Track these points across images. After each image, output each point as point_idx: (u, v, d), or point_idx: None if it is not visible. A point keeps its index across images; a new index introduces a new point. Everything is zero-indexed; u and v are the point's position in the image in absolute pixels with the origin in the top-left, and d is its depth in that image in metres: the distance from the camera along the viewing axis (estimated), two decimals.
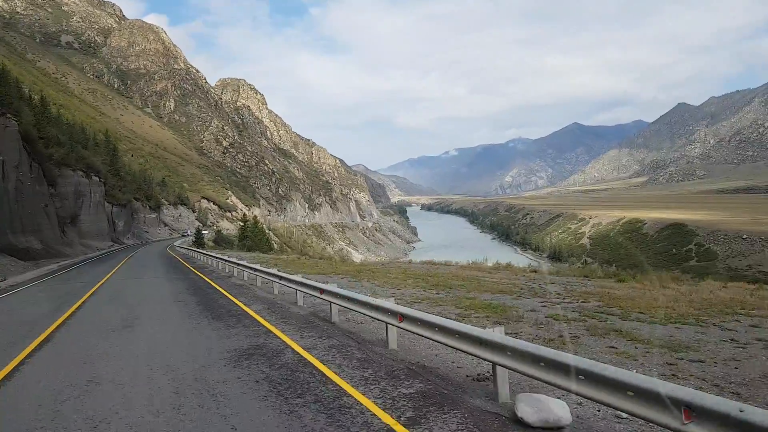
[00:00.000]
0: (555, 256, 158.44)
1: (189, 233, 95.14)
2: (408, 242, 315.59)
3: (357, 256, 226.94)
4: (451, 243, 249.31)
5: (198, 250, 49.71)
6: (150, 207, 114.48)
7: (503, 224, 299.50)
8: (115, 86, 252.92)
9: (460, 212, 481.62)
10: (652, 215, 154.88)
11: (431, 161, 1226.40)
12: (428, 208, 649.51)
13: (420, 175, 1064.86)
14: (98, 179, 71.36)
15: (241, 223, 74.95)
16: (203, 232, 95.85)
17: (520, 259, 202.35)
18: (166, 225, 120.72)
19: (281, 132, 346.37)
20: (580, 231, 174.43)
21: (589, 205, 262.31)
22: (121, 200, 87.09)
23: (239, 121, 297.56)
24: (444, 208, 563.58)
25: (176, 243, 71.30)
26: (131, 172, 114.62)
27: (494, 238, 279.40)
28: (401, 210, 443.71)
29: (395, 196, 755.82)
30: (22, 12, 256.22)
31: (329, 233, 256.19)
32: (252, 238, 74.00)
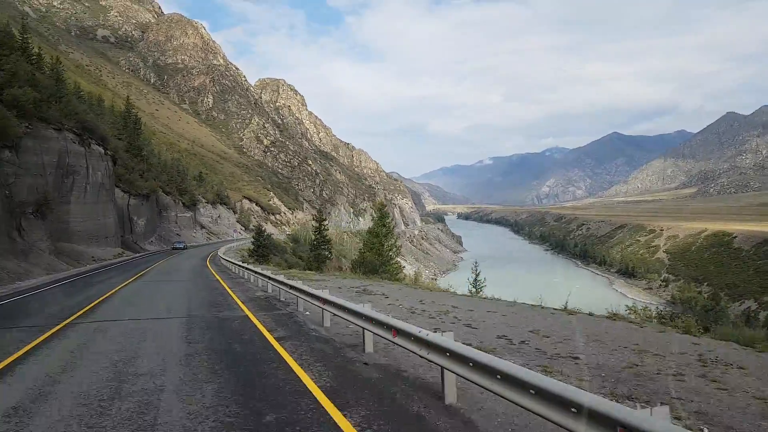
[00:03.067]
0: (627, 272, 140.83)
1: (235, 235, 68.95)
2: (455, 252, 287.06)
3: (408, 269, 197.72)
4: (500, 254, 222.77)
5: (271, 275, 22.17)
6: (184, 204, 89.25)
7: (555, 235, 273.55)
8: (151, 81, 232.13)
9: (500, 222, 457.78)
10: (739, 227, 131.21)
11: (465, 170, 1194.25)
12: (465, 217, 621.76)
13: (453, 183, 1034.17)
14: (102, 150, 45.86)
15: (316, 224, 49.28)
16: (240, 235, 70.44)
17: (583, 273, 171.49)
18: (202, 227, 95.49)
19: (321, 134, 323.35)
20: (653, 244, 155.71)
21: (650, 216, 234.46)
22: (142, 189, 61.68)
23: (279, 121, 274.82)
24: (483, 218, 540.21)
25: (221, 252, 45.75)
26: (161, 161, 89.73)
27: (547, 250, 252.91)
28: (439, 219, 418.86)
29: (429, 205, 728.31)
30: (59, 5, 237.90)
31: None
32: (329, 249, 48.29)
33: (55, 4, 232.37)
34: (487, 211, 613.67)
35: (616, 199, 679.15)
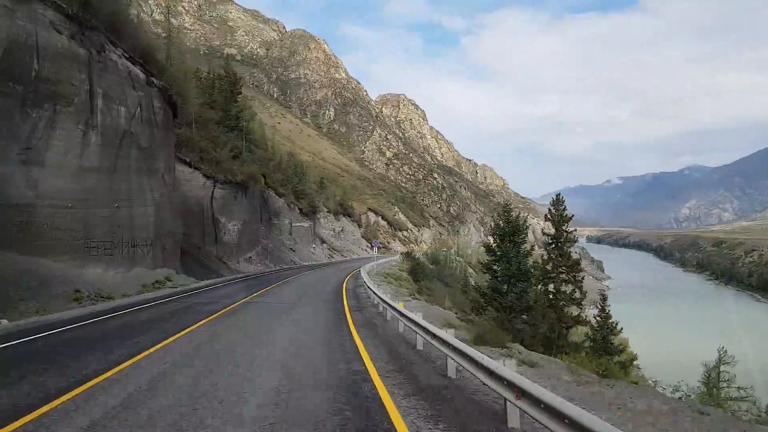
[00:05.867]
0: None
1: (374, 252, 43.35)
2: (597, 279, 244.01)
3: None
4: (651, 284, 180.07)
5: None
6: (301, 210, 66.12)
7: (716, 262, 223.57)
8: (275, 96, 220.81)
9: (641, 246, 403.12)
10: None
11: (590, 190, 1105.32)
12: (597, 240, 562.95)
13: (578, 204, 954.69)
14: (137, 71, 22.07)
15: (494, 238, 23.20)
16: (372, 250, 45.58)
17: (761, 310, 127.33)
18: (323, 241, 71.93)
19: (443, 149, 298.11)
20: None
21: None
22: (236, 176, 38.07)
23: (400, 135, 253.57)
24: (618, 241, 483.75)
25: (371, 285, 19.31)
26: (274, 154, 67.63)
27: (709, 280, 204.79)
28: None
29: (553, 228, 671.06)
30: (189, 27, 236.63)
31: None
32: None
33: (186, 26, 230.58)
34: (622, 234, 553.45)
35: None
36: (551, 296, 28.34)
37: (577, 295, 28.05)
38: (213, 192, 36.22)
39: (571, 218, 29.19)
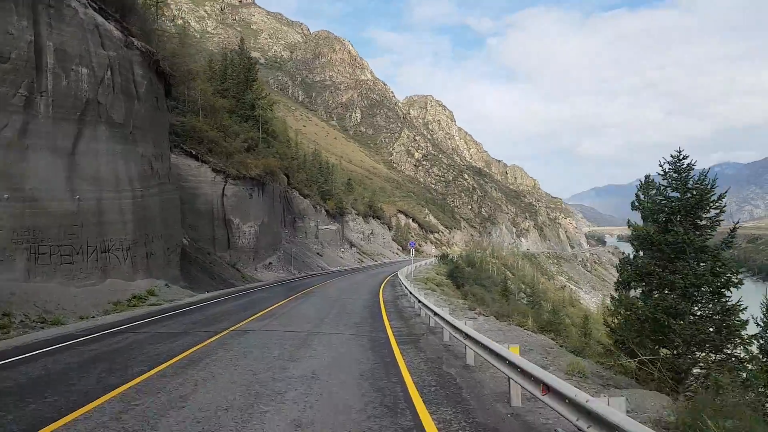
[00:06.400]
0: None
1: (411, 249, 36.95)
2: None
3: (585, 297, 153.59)
4: None
5: None
6: (327, 212, 60.83)
7: (753, 258, 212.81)
8: (300, 99, 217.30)
9: None
10: None
11: (620, 190, 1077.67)
12: (627, 239, 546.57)
13: (608, 204, 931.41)
14: (113, 29, 16.75)
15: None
16: (408, 252, 39.90)
17: None
18: (352, 245, 66.43)
19: (472, 150, 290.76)
20: None
21: None
22: (250, 170, 32.73)
23: (429, 136, 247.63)
24: None
25: (420, 297, 13.04)
26: (298, 152, 62.59)
27: (747, 277, 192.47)
28: (600, 241, 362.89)
29: (584, 227, 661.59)
30: (212, 31, 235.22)
31: (544, 265, 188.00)
32: None
33: (209, 29, 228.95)
34: None
35: None
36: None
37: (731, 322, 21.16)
38: (224, 189, 30.99)
39: (723, 195, 22.24)
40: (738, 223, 22.99)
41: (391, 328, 11.90)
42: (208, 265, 27.00)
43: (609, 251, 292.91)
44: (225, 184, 31.01)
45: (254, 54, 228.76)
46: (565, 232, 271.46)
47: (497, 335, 10.86)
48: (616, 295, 22.90)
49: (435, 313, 10.79)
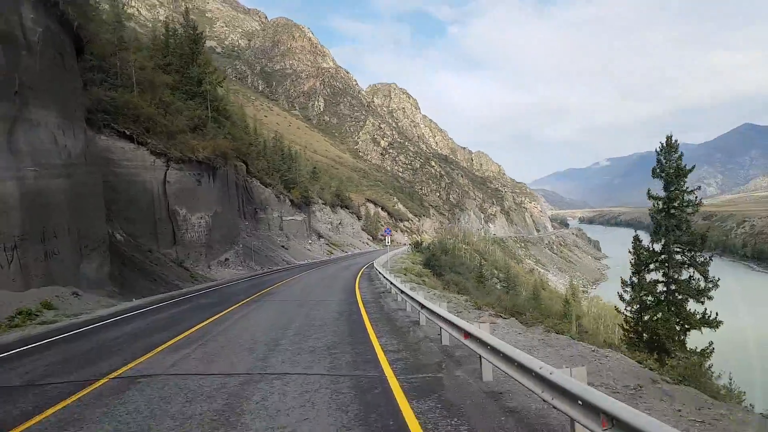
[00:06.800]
0: None
1: (386, 236, 32.16)
2: (596, 259, 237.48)
3: (552, 279, 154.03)
4: None
5: None
6: (292, 202, 56.19)
7: (710, 236, 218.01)
8: (260, 89, 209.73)
9: (632, 224, 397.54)
10: None
11: (579, 173, 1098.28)
12: (588, 221, 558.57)
13: (568, 188, 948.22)
14: None
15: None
16: (384, 240, 36.15)
17: (759, 279, 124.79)
18: (320, 236, 61.98)
19: (437, 138, 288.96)
20: None
21: None
22: (198, 152, 27.89)
23: (394, 125, 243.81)
24: (609, 221, 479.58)
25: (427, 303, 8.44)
26: (256, 137, 57.71)
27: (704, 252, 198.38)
28: (563, 223, 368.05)
29: (547, 211, 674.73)
30: (163, 19, 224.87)
31: (512, 249, 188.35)
32: None
33: (161, 18, 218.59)
34: (614, 213, 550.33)
35: (757, 194, 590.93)
36: (664, 286, 18.67)
37: (702, 284, 18.18)
38: (166, 174, 26.17)
39: (692, 170, 19.50)
40: (696, 188, 20.09)
41: (384, 354, 7.68)
42: (148, 265, 22.32)
43: (573, 233, 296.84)
44: (167, 169, 26.18)
45: (210, 43, 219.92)
46: (531, 216, 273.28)
47: (556, 358, 6.89)
48: (625, 280, 19.27)
49: (467, 334, 6.59)
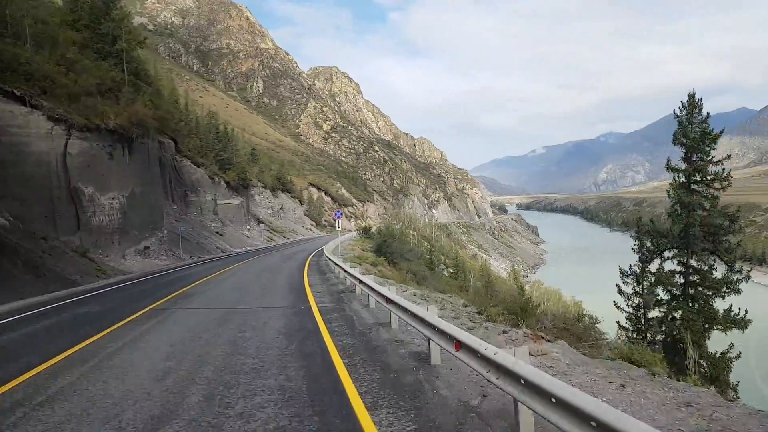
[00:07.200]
0: (752, 258, 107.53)
1: (337, 220, 26.99)
2: (535, 244, 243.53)
3: (495, 265, 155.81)
4: (584, 245, 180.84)
5: None
6: (228, 184, 51.28)
7: (641, 221, 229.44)
8: (194, 68, 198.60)
9: (567, 210, 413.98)
10: None
11: (517, 161, 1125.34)
12: (526, 207, 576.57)
13: (507, 175, 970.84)
14: None
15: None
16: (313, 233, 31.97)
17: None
18: (260, 221, 57.29)
19: (380, 123, 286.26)
20: None
21: (754, 193, 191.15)
22: (108, 119, 22.99)
23: (336, 108, 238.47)
24: (545, 207, 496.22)
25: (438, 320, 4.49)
26: (187, 113, 52.26)
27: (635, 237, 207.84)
28: (502, 209, 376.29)
29: (487, 197, 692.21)
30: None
31: (456, 234, 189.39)
32: None
33: None
34: (549, 199, 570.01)
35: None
36: (681, 277, 15.70)
37: (731, 275, 15.06)
38: (67, 144, 21.25)
39: (720, 134, 16.43)
40: (725, 158, 17.68)
41: None
42: (37, 256, 17.64)
43: (513, 219, 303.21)
44: (68, 138, 21.24)
45: (142, 20, 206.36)
46: (473, 202, 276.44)
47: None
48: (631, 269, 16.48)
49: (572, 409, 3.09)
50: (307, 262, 23.63)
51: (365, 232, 51.50)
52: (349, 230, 79.51)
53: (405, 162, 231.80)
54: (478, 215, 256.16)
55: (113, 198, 23.05)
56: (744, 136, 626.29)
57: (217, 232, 41.54)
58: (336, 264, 15.82)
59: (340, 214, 23.39)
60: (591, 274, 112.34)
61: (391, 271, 25.03)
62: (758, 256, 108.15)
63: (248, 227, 50.85)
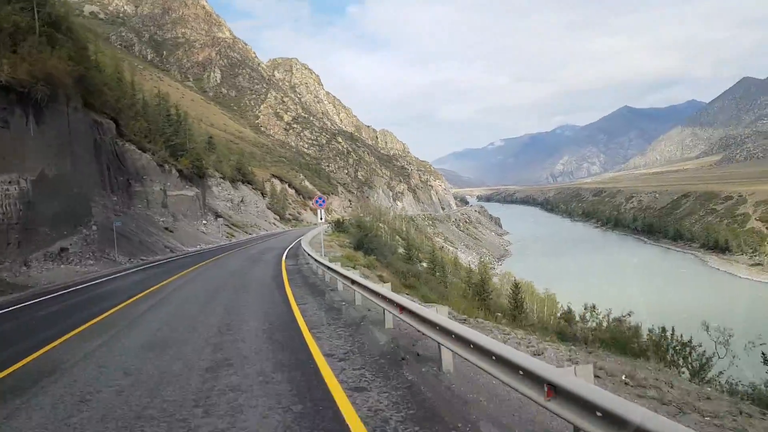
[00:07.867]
0: (716, 246, 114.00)
1: (320, 206, 20.08)
2: (499, 235, 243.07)
3: (461, 257, 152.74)
4: (547, 235, 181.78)
5: None
6: (181, 173, 44.22)
7: (600, 210, 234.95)
8: (148, 58, 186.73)
9: (527, 201, 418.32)
10: None
11: (476, 153, 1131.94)
12: (486, 199, 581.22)
13: (466, 167, 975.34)
14: None
15: None
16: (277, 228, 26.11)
17: (658, 251, 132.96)
18: (218, 215, 50.42)
19: (342, 115, 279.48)
20: (737, 212, 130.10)
21: (715, 182, 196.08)
22: (4, 71, 16.17)
23: (297, 99, 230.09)
24: (505, 198, 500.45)
25: None
26: (132, 91, 45.06)
27: (596, 227, 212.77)
28: (463, 201, 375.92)
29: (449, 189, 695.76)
30: None
31: (422, 227, 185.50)
32: None
33: None
34: (509, 191, 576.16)
35: (636, 172, 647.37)
36: None
37: None
38: None
39: None
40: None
41: None
42: None
43: (476, 210, 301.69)
44: None
45: (93, 8, 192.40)
46: (437, 193, 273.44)
47: None
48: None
49: None
50: (283, 267, 17.56)
51: (338, 225, 45.63)
52: (315, 224, 73.45)
53: (368, 154, 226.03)
54: (442, 207, 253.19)
55: (8, 182, 16.38)
56: (695, 127, 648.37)
57: (166, 228, 34.76)
58: (334, 273, 9.80)
59: (324, 201, 17.32)
60: (559, 263, 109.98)
61: (392, 276, 19.40)
62: (721, 243, 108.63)
63: (204, 222, 44.06)
